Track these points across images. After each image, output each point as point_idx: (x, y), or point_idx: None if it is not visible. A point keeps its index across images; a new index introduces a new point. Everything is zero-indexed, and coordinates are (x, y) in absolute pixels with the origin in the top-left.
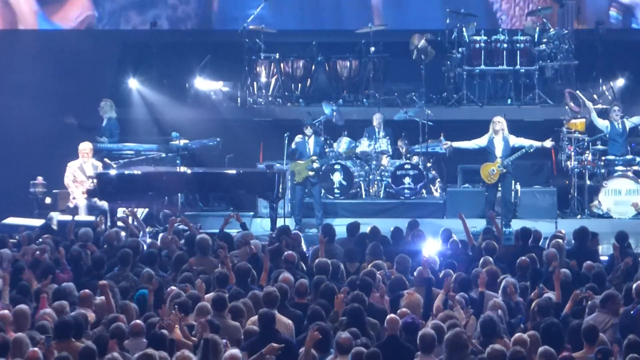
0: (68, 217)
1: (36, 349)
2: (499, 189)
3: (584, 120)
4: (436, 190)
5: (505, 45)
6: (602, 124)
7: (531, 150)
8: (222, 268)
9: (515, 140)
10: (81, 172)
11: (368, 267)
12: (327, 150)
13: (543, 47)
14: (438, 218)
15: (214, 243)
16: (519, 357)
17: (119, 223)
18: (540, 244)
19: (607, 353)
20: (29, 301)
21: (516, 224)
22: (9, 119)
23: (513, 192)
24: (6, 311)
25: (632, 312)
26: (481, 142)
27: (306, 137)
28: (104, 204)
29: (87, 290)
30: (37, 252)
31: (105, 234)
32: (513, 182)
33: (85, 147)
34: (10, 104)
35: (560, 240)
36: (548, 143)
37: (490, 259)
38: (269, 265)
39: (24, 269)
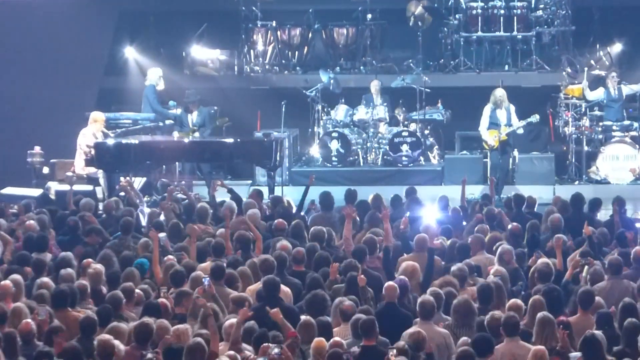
0: (66, 187)
1: (29, 320)
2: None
3: (581, 86)
4: (434, 157)
5: (502, 11)
6: (594, 96)
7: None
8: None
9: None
10: (97, 138)
11: (366, 234)
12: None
13: (540, 12)
14: (436, 185)
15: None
16: (513, 322)
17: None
18: (535, 209)
19: (608, 318)
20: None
21: (514, 190)
22: (6, 89)
23: (511, 159)
24: (7, 281)
25: None
26: (486, 114)
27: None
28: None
29: (90, 260)
30: (32, 223)
31: (104, 203)
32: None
33: (102, 116)
34: (7, 74)
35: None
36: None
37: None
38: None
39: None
